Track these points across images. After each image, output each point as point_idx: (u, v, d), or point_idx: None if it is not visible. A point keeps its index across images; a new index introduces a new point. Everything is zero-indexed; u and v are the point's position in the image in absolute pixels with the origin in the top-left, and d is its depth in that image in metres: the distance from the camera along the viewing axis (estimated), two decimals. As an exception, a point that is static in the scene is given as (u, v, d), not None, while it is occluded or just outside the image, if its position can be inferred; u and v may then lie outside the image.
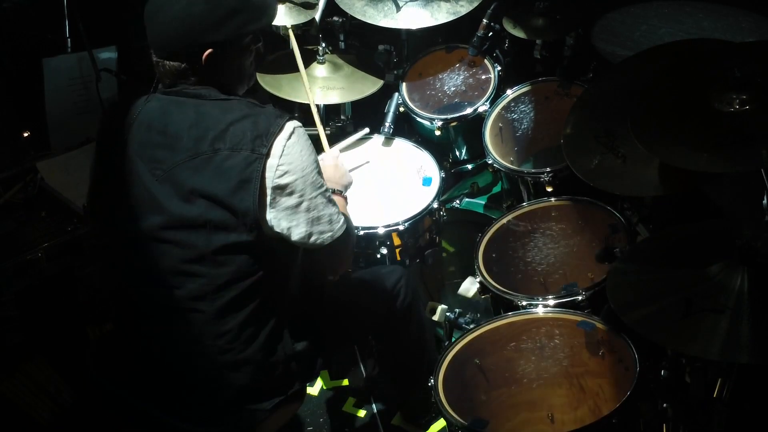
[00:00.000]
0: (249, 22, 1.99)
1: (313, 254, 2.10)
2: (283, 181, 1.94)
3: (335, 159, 2.52)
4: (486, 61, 3.13)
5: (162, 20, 1.94)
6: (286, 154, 1.94)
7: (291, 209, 1.97)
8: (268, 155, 1.92)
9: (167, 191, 1.96)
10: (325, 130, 2.72)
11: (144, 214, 1.99)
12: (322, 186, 2.04)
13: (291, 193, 1.96)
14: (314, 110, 2.74)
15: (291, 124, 1.97)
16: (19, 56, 3.38)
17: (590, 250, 2.44)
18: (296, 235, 2.00)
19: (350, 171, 2.81)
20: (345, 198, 2.43)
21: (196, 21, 1.92)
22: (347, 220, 2.15)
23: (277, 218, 1.97)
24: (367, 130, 3.02)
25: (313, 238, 2.03)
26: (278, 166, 1.93)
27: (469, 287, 2.69)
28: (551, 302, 2.33)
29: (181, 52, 1.96)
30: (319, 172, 2.04)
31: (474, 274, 2.55)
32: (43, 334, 2.70)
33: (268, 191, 1.93)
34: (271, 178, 1.93)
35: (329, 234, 2.06)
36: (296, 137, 1.97)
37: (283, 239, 2.01)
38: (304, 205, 1.99)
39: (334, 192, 2.32)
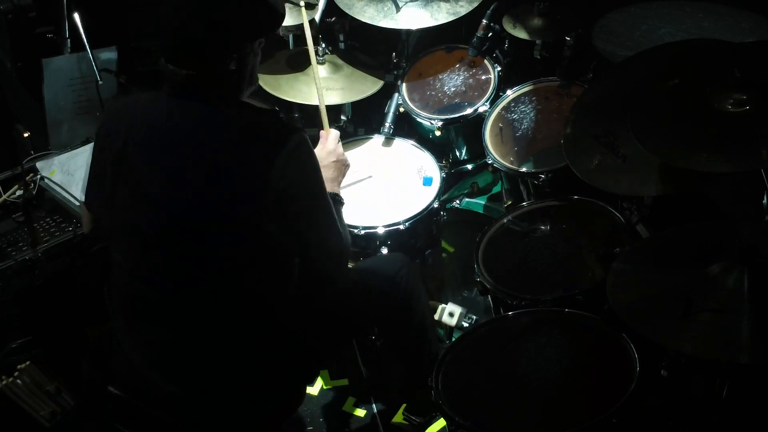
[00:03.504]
0: (259, 29, 1.99)
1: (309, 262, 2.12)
2: (285, 192, 1.94)
3: (330, 156, 2.45)
4: (486, 61, 3.13)
5: (173, 25, 1.95)
6: (290, 166, 1.94)
7: (290, 220, 1.98)
8: (272, 166, 1.92)
9: (168, 193, 1.96)
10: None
11: (144, 214, 1.99)
12: (323, 198, 2.05)
13: (291, 205, 1.96)
14: (322, 108, 2.71)
15: (297, 137, 1.97)
16: (19, 56, 3.38)
17: (590, 249, 2.44)
18: (293, 244, 2.01)
19: (352, 185, 2.81)
20: (341, 201, 2.38)
21: (206, 28, 1.93)
22: (344, 234, 2.14)
23: (277, 227, 1.97)
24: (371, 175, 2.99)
25: (308, 250, 2.04)
26: (281, 177, 1.92)
27: (453, 313, 2.71)
28: (551, 302, 2.33)
29: (190, 57, 1.95)
30: (321, 186, 2.04)
31: (474, 275, 2.55)
32: (43, 334, 2.70)
33: (271, 201, 1.93)
34: (274, 189, 1.92)
35: (326, 246, 2.07)
36: (301, 150, 1.97)
37: (283, 245, 2.02)
38: (303, 216, 2.00)
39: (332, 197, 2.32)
